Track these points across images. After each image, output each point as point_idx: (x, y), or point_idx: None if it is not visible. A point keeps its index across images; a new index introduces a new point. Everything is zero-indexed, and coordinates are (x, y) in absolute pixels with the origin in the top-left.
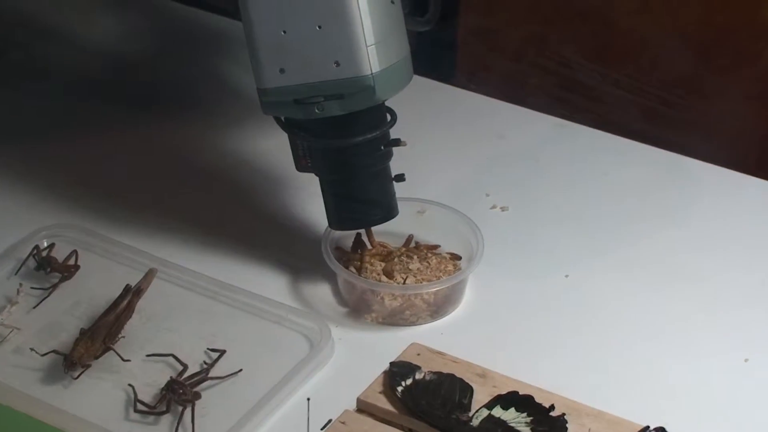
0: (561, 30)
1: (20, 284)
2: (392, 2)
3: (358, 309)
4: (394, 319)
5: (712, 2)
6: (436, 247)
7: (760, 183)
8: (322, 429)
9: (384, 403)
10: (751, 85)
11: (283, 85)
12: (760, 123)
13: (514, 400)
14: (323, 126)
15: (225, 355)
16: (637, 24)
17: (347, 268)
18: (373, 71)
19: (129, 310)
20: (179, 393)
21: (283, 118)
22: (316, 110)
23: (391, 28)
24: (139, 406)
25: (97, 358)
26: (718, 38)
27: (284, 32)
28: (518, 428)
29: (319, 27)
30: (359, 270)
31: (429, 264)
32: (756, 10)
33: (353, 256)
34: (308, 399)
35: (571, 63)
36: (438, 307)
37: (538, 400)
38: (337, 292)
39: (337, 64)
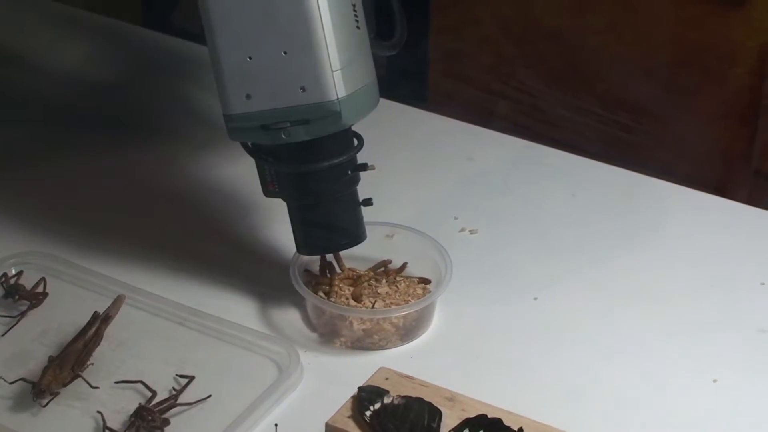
0: (528, 53)
1: None
2: (358, 27)
3: (326, 334)
4: (363, 344)
5: (680, 23)
6: (404, 266)
7: (726, 203)
8: None
9: (352, 428)
10: (717, 106)
11: (250, 111)
12: (726, 143)
13: (482, 423)
14: (290, 151)
15: (194, 381)
16: (604, 44)
17: (316, 292)
18: (339, 96)
19: (97, 337)
20: (148, 420)
21: (249, 144)
22: (283, 136)
23: (356, 53)
24: None
25: (65, 385)
26: (686, 59)
27: (250, 58)
28: None
29: (285, 53)
30: (328, 294)
31: (398, 288)
32: (725, 31)
33: (322, 280)
34: (276, 425)
35: (534, 90)
36: (407, 331)
37: (506, 422)
38: (305, 317)
39: (303, 89)
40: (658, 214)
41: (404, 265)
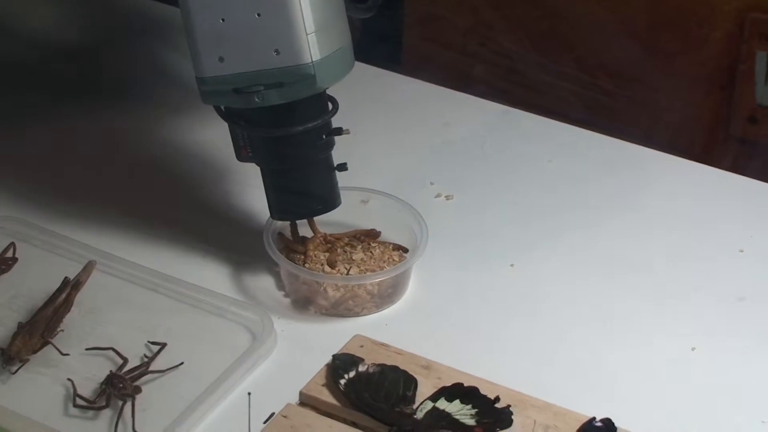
0: (506, 17)
1: None
2: None
3: (300, 300)
4: (338, 310)
5: None
6: (375, 233)
7: (705, 169)
8: (264, 422)
9: (327, 397)
10: (698, 71)
11: (222, 74)
12: (706, 108)
13: (458, 392)
14: (263, 115)
15: (166, 348)
16: (583, 10)
17: (290, 258)
18: (314, 59)
19: (68, 303)
20: (119, 387)
21: (222, 108)
22: (256, 99)
23: (331, 15)
24: (79, 401)
25: (35, 352)
26: (665, 23)
27: (223, 20)
28: (463, 420)
29: (258, 15)
30: (303, 261)
31: (372, 254)
32: None
33: (296, 247)
34: (249, 393)
35: (513, 53)
36: (382, 298)
37: (483, 391)
38: (279, 284)
39: (277, 52)
40: (637, 180)
41: (377, 233)
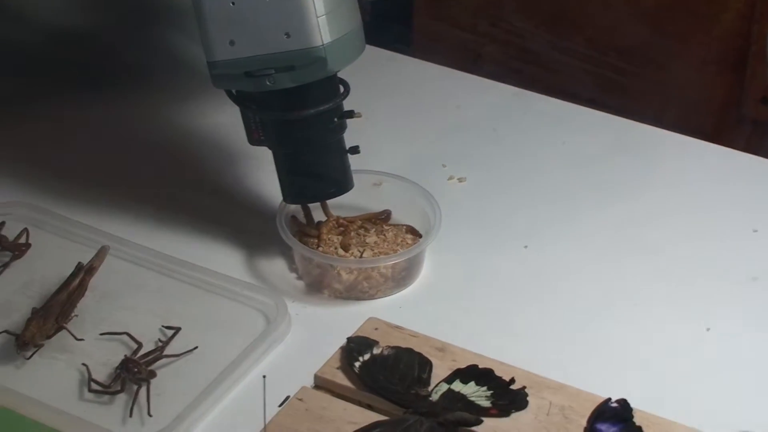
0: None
1: None
2: None
3: (314, 284)
4: (352, 294)
5: None
6: (387, 215)
7: (718, 149)
8: (279, 406)
9: (342, 379)
10: (708, 51)
11: (233, 57)
12: (717, 89)
13: (473, 373)
14: (275, 98)
15: (180, 332)
16: None
17: (303, 241)
18: (324, 42)
19: (81, 288)
20: (134, 372)
21: (234, 91)
22: (267, 82)
23: None
24: (94, 386)
25: (49, 337)
26: (675, 4)
27: (233, 3)
28: (478, 402)
29: None
30: (317, 244)
31: (386, 237)
32: None
33: (309, 230)
34: (264, 377)
35: (524, 32)
36: (396, 281)
37: (498, 373)
38: (293, 267)
39: (288, 35)
40: (650, 160)
41: (389, 215)
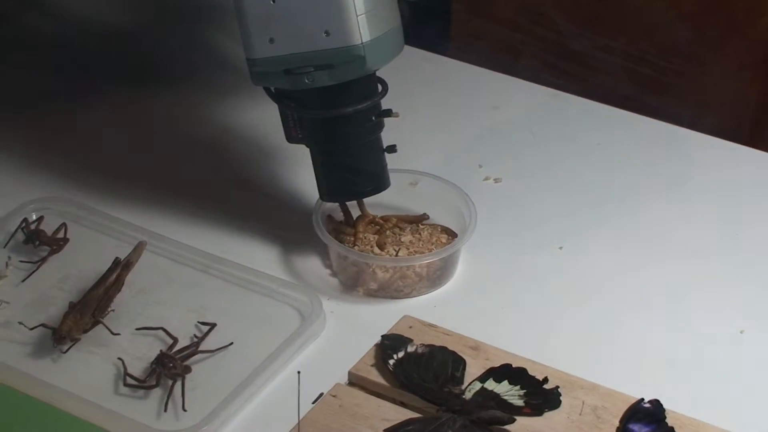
0: (556, 1)
1: (9, 257)
2: None
3: (349, 281)
4: (387, 292)
5: None
6: (425, 218)
7: (753, 153)
8: (313, 402)
9: (376, 377)
10: (746, 55)
11: (273, 55)
12: (754, 93)
13: (507, 372)
14: (313, 96)
15: (215, 328)
16: None
17: (339, 239)
18: (364, 41)
19: (118, 283)
20: (169, 366)
21: (273, 89)
22: (306, 80)
23: None
24: (129, 380)
25: (86, 331)
26: (713, 7)
27: (273, 1)
28: (511, 401)
29: None
30: (354, 242)
31: (421, 236)
32: None
33: (345, 228)
34: (299, 372)
35: (564, 31)
36: (431, 280)
37: (531, 372)
38: (328, 265)
39: (327, 33)
40: (685, 163)
41: (427, 218)
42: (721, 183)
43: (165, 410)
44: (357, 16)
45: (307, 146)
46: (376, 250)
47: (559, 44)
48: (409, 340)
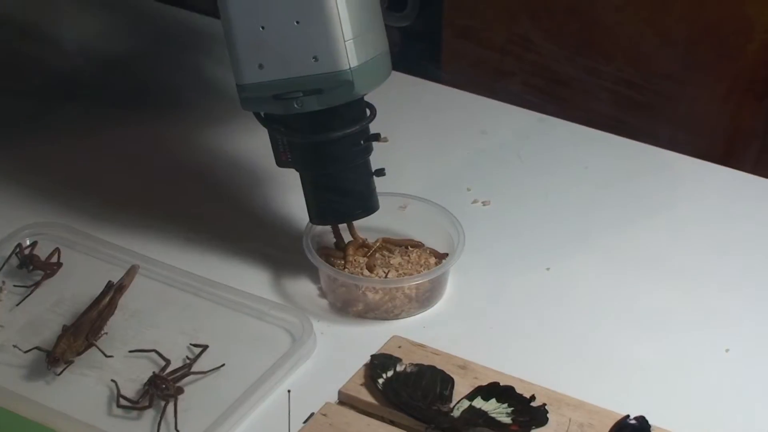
0: (545, 28)
1: (3, 282)
2: None
3: (340, 303)
4: (377, 313)
5: None
6: (417, 243)
7: (742, 176)
8: (304, 422)
9: (365, 396)
10: (734, 81)
11: (262, 80)
12: (743, 116)
13: (494, 390)
14: (302, 121)
15: (207, 350)
16: (620, 20)
17: (329, 262)
18: (352, 66)
19: (111, 306)
20: (162, 388)
21: (262, 114)
22: (295, 105)
23: (369, 22)
24: (122, 401)
25: (79, 354)
26: (702, 33)
27: (262, 28)
28: (499, 419)
29: (297, 22)
30: (344, 264)
31: (410, 258)
32: (740, 6)
33: (334, 253)
34: (289, 391)
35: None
36: (420, 301)
37: (518, 390)
38: (319, 287)
39: (316, 59)
40: (669, 185)
41: (416, 242)
42: (708, 205)
43: (158, 431)
44: (345, 42)
45: (297, 170)
46: (366, 272)
47: (547, 69)
48: (398, 360)
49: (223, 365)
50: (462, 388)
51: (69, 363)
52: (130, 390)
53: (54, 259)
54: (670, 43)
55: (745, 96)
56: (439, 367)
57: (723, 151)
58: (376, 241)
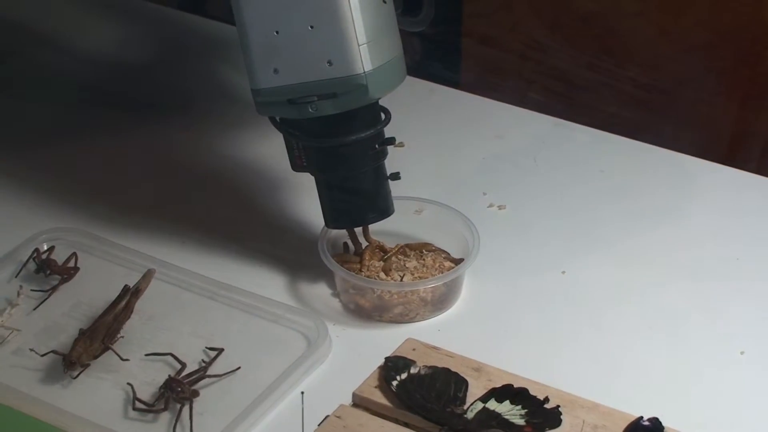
0: (562, 36)
1: (20, 286)
2: (384, 1)
3: (354, 306)
4: (392, 316)
5: (713, 4)
6: (430, 246)
7: (757, 179)
8: (319, 425)
9: (379, 398)
10: (752, 86)
11: (277, 85)
12: (760, 125)
13: (508, 392)
14: (317, 125)
15: (223, 353)
16: (638, 26)
17: (344, 266)
18: (366, 70)
19: (128, 310)
20: (177, 391)
21: (277, 118)
22: (310, 110)
23: (383, 27)
24: (138, 405)
25: (96, 357)
26: (720, 39)
27: (277, 33)
28: (513, 420)
29: (312, 27)
30: (360, 267)
31: (425, 262)
32: (757, 12)
33: (349, 257)
34: (302, 393)
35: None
36: (435, 305)
37: (532, 392)
38: (334, 291)
39: (330, 63)
40: (687, 189)
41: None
42: (721, 207)
43: None
44: (359, 46)
45: (312, 174)
46: (382, 275)
47: (565, 74)
48: (412, 362)
49: (238, 368)
50: (476, 390)
51: (85, 366)
52: (145, 393)
53: (71, 264)
54: (687, 48)
55: (763, 102)
56: (453, 369)
57: (742, 157)
58: (395, 248)
